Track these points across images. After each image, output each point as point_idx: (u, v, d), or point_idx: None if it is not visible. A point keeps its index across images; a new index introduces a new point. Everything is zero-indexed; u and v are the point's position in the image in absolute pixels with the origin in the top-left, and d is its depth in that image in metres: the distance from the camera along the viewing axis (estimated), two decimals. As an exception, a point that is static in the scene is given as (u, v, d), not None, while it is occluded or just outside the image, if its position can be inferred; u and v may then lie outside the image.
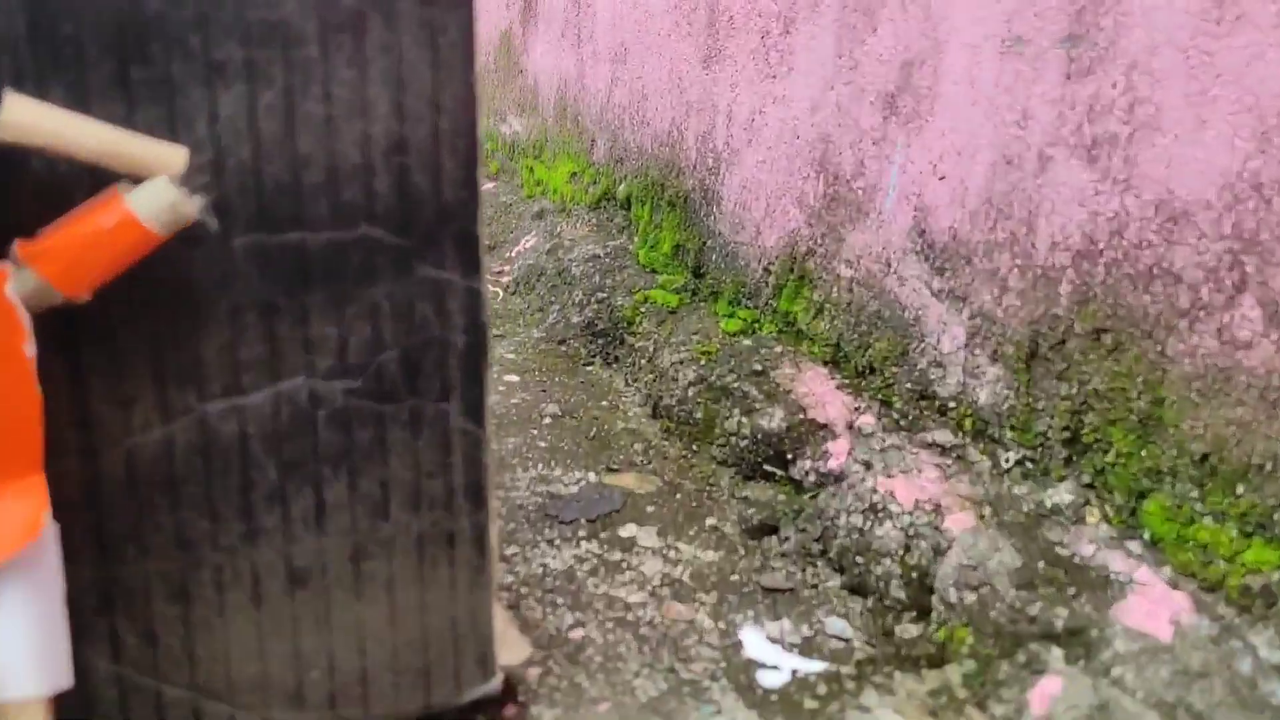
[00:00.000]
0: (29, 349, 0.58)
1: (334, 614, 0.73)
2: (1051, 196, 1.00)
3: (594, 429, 1.39)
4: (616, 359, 1.62)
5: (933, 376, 1.16)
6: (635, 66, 1.97)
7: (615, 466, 1.27)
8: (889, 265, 1.24)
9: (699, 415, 1.33)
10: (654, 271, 1.75)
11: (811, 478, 1.16)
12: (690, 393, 1.36)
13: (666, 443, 1.34)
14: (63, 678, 0.60)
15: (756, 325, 1.47)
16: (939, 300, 1.16)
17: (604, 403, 1.48)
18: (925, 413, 1.16)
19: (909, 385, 1.19)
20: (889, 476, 1.06)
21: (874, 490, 1.05)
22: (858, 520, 1.04)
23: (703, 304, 1.60)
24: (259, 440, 0.69)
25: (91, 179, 0.60)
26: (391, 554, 0.74)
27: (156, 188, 0.59)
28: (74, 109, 0.59)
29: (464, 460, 0.75)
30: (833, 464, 1.15)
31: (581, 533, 1.10)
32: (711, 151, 1.67)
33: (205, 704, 0.71)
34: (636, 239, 1.88)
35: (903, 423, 1.16)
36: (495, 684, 0.79)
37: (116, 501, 0.67)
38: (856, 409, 1.22)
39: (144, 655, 0.69)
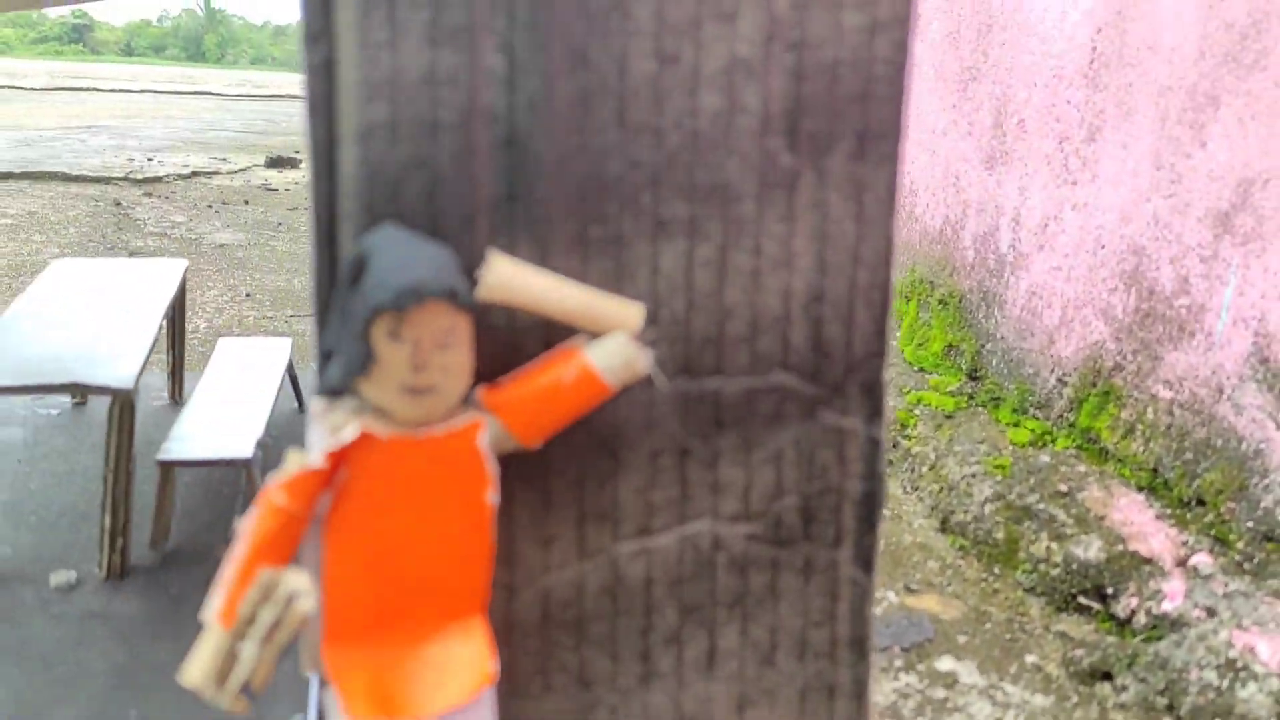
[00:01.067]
0: (491, 497, 0.60)
1: (714, 759, 0.73)
2: None
3: (884, 541, 1.35)
4: (891, 462, 1.58)
5: (1278, 514, 1.08)
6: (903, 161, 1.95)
7: (914, 587, 1.23)
8: (1220, 391, 1.17)
9: (999, 536, 1.28)
10: (923, 370, 1.71)
11: (1141, 619, 1.10)
12: (987, 510, 1.31)
13: (963, 563, 1.30)
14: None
15: (1049, 438, 1.41)
16: (1288, 435, 1.08)
17: (886, 510, 1.45)
18: (1273, 556, 1.08)
19: (1250, 524, 1.11)
20: (1242, 629, 0.99)
21: (1229, 644, 0.98)
22: (1212, 677, 0.97)
23: (981, 409, 1.55)
24: (662, 583, 0.69)
25: (545, 332, 0.62)
26: (774, 703, 0.73)
27: (616, 343, 0.60)
28: (537, 263, 0.62)
29: (850, 610, 0.73)
30: (1167, 606, 1.08)
31: (898, 662, 1.07)
32: (994, 253, 1.63)
33: (587, 840, 0.72)
34: (901, 335, 1.85)
35: (1246, 566, 1.08)
36: (862, 840, 0.77)
37: (529, 638, 0.68)
38: (1184, 543, 1.14)
39: (537, 788, 0.70)
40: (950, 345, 1.72)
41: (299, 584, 0.54)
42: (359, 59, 0.59)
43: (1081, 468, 1.32)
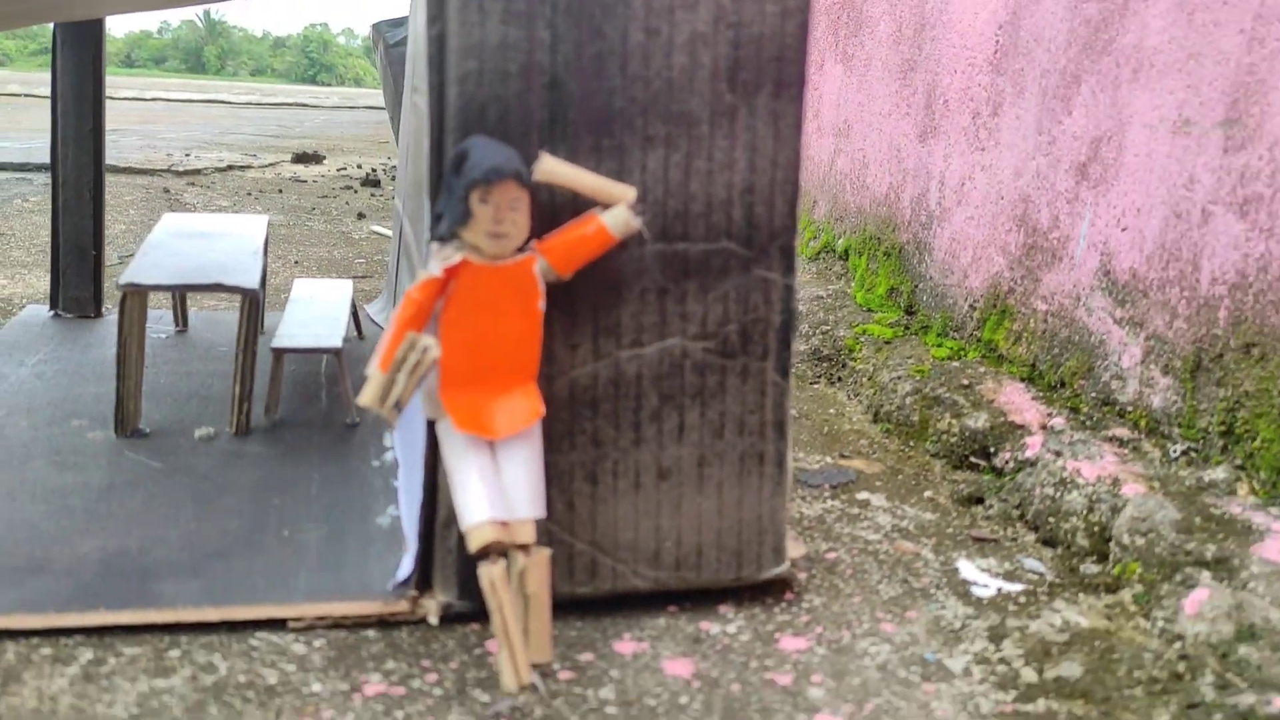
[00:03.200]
0: (541, 306, 0.96)
1: (683, 503, 1.09)
2: (1212, 243, 1.28)
3: (826, 428, 1.72)
4: (839, 379, 1.94)
5: (1114, 387, 1.44)
6: (858, 140, 2.32)
7: (847, 455, 1.59)
8: (1078, 300, 1.53)
9: (915, 418, 1.64)
10: (870, 310, 2.08)
11: (1010, 464, 1.46)
12: (908, 401, 1.67)
13: (887, 440, 1.66)
14: (543, 510, 0.97)
15: (962, 352, 1.78)
16: (1120, 326, 1.45)
17: (831, 410, 1.81)
18: (1107, 416, 1.44)
19: (1094, 395, 1.47)
20: (1076, 460, 1.35)
21: (1064, 469, 1.34)
22: (1050, 491, 1.33)
23: (914, 336, 1.92)
24: (648, 378, 1.06)
25: (572, 205, 0.99)
26: (723, 464, 1.09)
27: (620, 211, 0.96)
28: (569, 160, 0.98)
29: (773, 403, 1.10)
30: (1029, 454, 1.44)
31: (826, 494, 1.43)
32: (925, 210, 1.99)
33: (599, 557, 1.08)
34: (854, 284, 2.21)
35: (1088, 423, 1.44)
36: (785, 567, 1.13)
37: (559, 411, 1.04)
38: (1049, 414, 1.50)
39: (565, 517, 1.06)
40: (892, 288, 2.08)
41: (430, 340, 0.90)
42: (460, 32, 0.96)
43: (982, 369, 1.68)
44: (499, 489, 0.94)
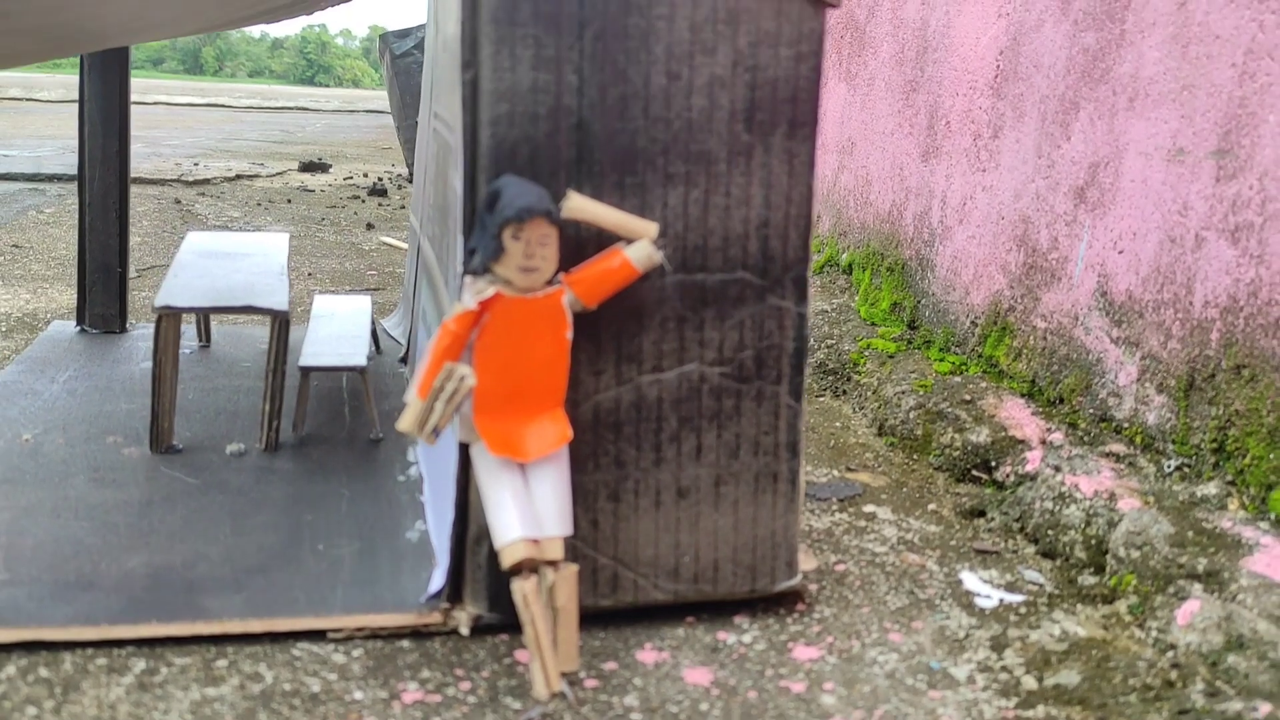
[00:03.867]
0: (569, 335, 1.02)
1: (701, 520, 1.14)
2: (1205, 267, 1.34)
3: (832, 441, 1.77)
4: (844, 392, 2.00)
5: (1111, 404, 1.50)
6: (861, 157, 2.38)
7: (852, 468, 1.65)
8: (1076, 319, 1.59)
9: (919, 432, 1.70)
10: (874, 324, 2.14)
11: (1011, 478, 1.51)
12: (911, 415, 1.73)
13: (891, 453, 1.72)
14: (570, 528, 1.02)
15: (964, 367, 1.83)
16: (1117, 346, 1.50)
17: (837, 423, 1.87)
18: (1104, 432, 1.50)
19: (1091, 411, 1.53)
20: (1074, 475, 1.41)
21: (1063, 484, 1.40)
22: (1049, 505, 1.39)
23: (917, 350, 1.97)
24: (668, 402, 1.11)
25: (598, 239, 1.04)
26: (739, 483, 1.15)
27: (642, 245, 1.02)
28: (595, 197, 1.04)
29: (786, 425, 1.15)
30: (1028, 468, 1.50)
31: (834, 507, 1.49)
32: (928, 228, 2.05)
33: (621, 571, 1.13)
34: (858, 298, 2.27)
35: (1085, 439, 1.50)
36: (797, 580, 1.19)
37: (584, 434, 1.10)
38: (1048, 429, 1.56)
39: (589, 534, 1.12)
40: (895, 303, 2.14)
41: (466, 369, 0.96)
42: (492, 77, 1.01)
43: (983, 384, 1.74)
44: (530, 508, 0.99)
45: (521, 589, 0.97)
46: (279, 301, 1.49)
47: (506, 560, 0.97)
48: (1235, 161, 1.30)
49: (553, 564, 0.99)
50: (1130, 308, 1.48)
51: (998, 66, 1.83)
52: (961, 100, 1.94)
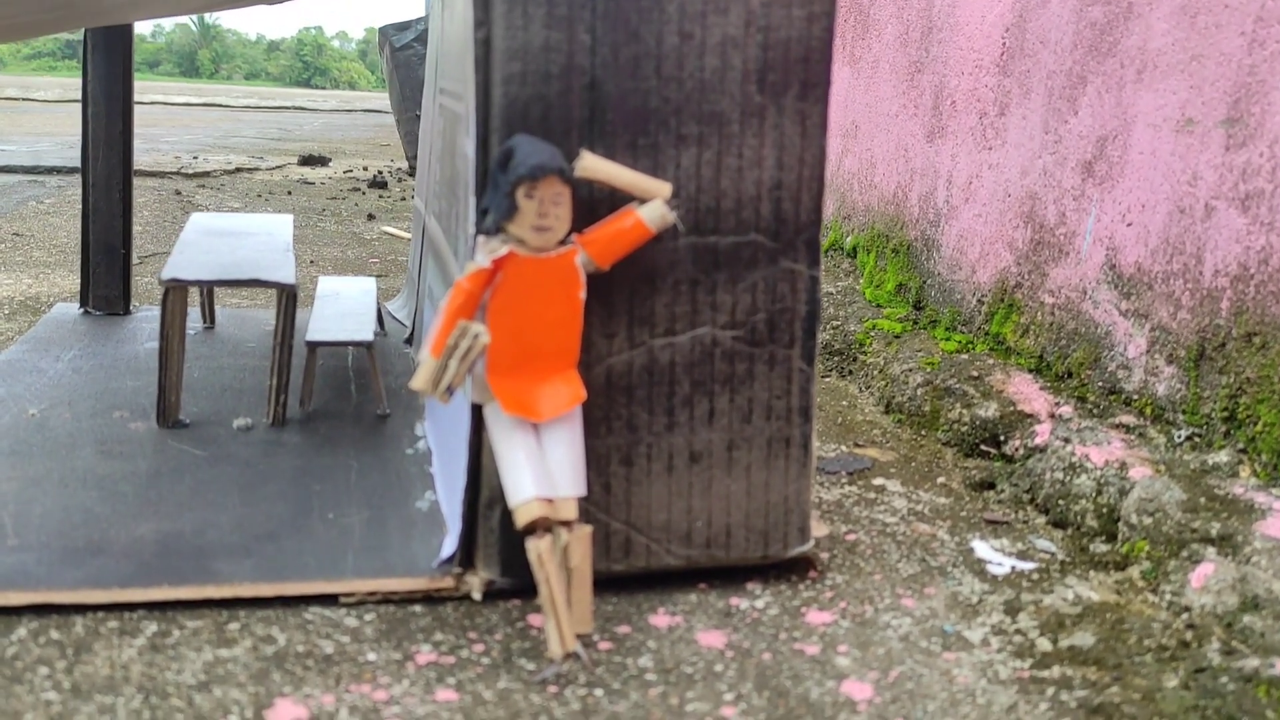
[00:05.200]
0: (582, 295, 1.01)
1: (714, 485, 1.14)
2: (1215, 236, 1.34)
3: (840, 419, 1.77)
4: (850, 372, 2.00)
5: (1120, 376, 1.50)
6: (865, 140, 2.37)
7: (860, 444, 1.65)
8: (1084, 293, 1.59)
9: (926, 409, 1.70)
10: (879, 306, 2.13)
11: (1020, 451, 1.51)
12: (919, 392, 1.73)
13: (899, 430, 1.71)
14: (584, 488, 1.02)
15: (971, 346, 1.83)
16: (1125, 318, 1.50)
17: (844, 402, 1.87)
18: (1114, 404, 1.49)
19: (1100, 384, 1.53)
20: (1084, 446, 1.40)
21: (1073, 455, 1.39)
22: (1060, 475, 1.38)
23: (923, 330, 1.97)
24: (680, 366, 1.11)
25: (610, 200, 1.04)
26: (751, 447, 1.14)
27: (656, 205, 1.02)
28: (607, 157, 1.03)
29: (799, 389, 1.15)
30: (1038, 441, 1.49)
31: (844, 480, 1.49)
32: (933, 208, 2.05)
33: (634, 536, 1.13)
34: (863, 280, 2.27)
35: (1095, 411, 1.50)
36: (810, 545, 1.18)
37: (596, 397, 1.09)
38: (1057, 403, 1.56)
39: (601, 498, 1.11)
40: (900, 284, 2.14)
41: (480, 327, 0.95)
42: (505, 35, 1.01)
43: (990, 361, 1.73)
44: (544, 468, 0.99)
45: (536, 548, 0.96)
46: (286, 275, 1.49)
47: (521, 519, 0.97)
48: (1245, 130, 1.30)
49: (567, 524, 0.99)
50: (1139, 280, 1.48)
51: (1004, 44, 1.83)
52: (967, 79, 1.94)
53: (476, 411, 1.07)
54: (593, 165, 1.01)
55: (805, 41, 1.07)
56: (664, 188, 1.02)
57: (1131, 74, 1.51)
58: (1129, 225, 1.50)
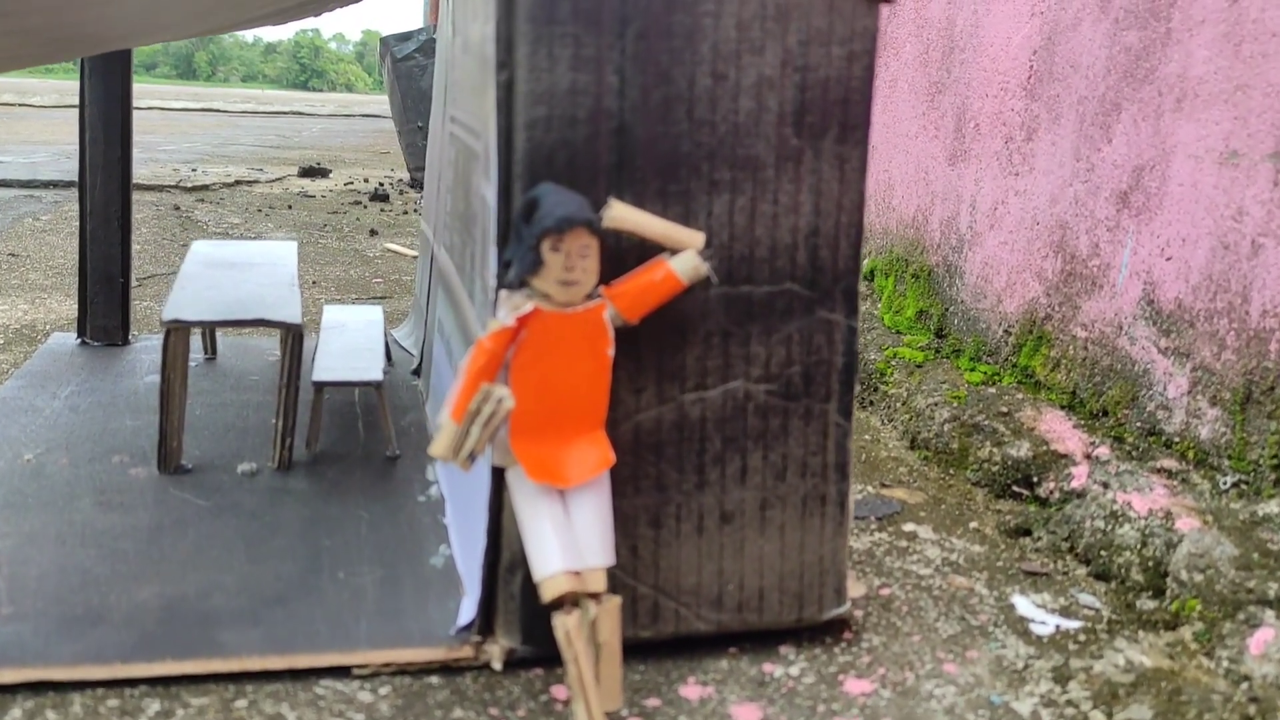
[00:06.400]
0: (610, 352, 0.96)
1: (746, 546, 1.08)
2: (1263, 275, 1.28)
3: (864, 455, 1.71)
4: (872, 403, 1.94)
5: (1160, 417, 1.44)
6: (883, 161, 2.32)
7: (887, 484, 1.59)
8: (1120, 328, 1.53)
9: (954, 446, 1.64)
10: (899, 332, 2.08)
11: (1056, 495, 1.45)
12: (946, 428, 1.67)
13: (926, 467, 1.66)
14: (613, 557, 0.96)
15: (997, 378, 1.78)
16: (1165, 356, 1.44)
17: (866, 436, 1.81)
18: (1153, 446, 1.44)
19: (1138, 424, 1.47)
20: (1125, 493, 1.35)
21: (1114, 502, 1.34)
22: (1100, 524, 1.33)
23: (945, 360, 1.91)
24: (712, 421, 1.05)
25: (639, 250, 0.98)
26: (785, 506, 1.09)
27: (688, 256, 0.96)
28: (636, 206, 0.97)
29: (835, 445, 1.09)
30: (1074, 484, 1.43)
31: (873, 526, 1.43)
32: (955, 233, 1.99)
33: (662, 600, 1.07)
34: (881, 305, 2.21)
35: (1134, 454, 1.44)
36: (846, 608, 1.12)
37: (624, 456, 1.03)
38: (1092, 444, 1.50)
39: (628, 562, 1.06)
40: (921, 311, 2.08)
41: (505, 391, 0.90)
42: (529, 78, 0.95)
43: (1020, 395, 1.68)
44: (571, 538, 0.93)
45: (564, 625, 0.90)
46: (291, 314, 1.43)
47: (547, 594, 0.91)
48: (1296, 165, 1.24)
49: (595, 597, 0.93)
50: (1180, 317, 1.42)
51: (1031, 67, 1.77)
52: (991, 102, 1.89)
53: (497, 472, 1.01)
54: (622, 215, 0.95)
55: (845, 82, 1.02)
56: (697, 238, 0.97)
57: (1170, 102, 1.45)
58: (1168, 259, 1.45)
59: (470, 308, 1.26)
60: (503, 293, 0.94)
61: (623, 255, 0.99)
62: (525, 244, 0.92)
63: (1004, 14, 1.85)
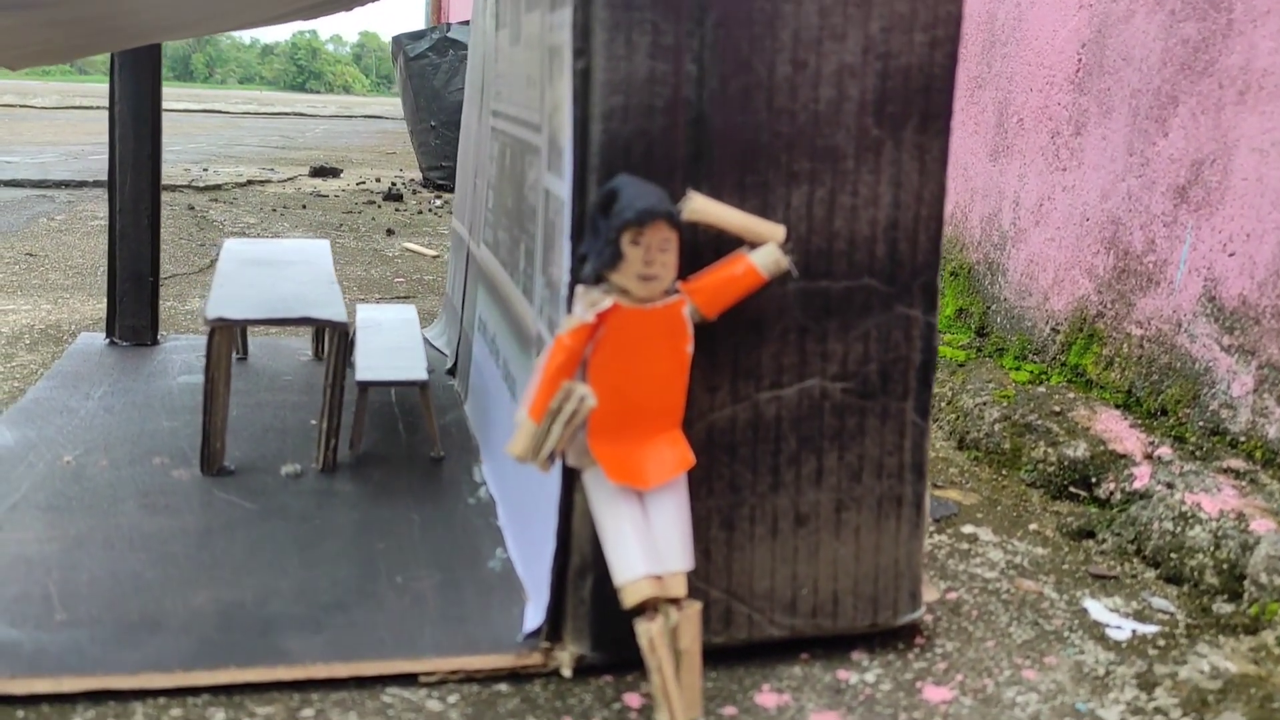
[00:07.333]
0: (689, 349, 0.93)
1: (821, 549, 1.05)
2: (1339, 270, 1.25)
3: (913, 456, 1.68)
4: (915, 403, 1.91)
5: (1223, 416, 1.41)
6: (919, 158, 2.28)
7: (940, 485, 1.56)
8: (1179, 326, 1.50)
9: (1006, 446, 1.61)
10: (939, 331, 2.05)
11: (1117, 496, 1.42)
12: (996, 428, 1.64)
13: (978, 468, 1.62)
14: (692, 561, 0.93)
15: (1045, 377, 1.74)
16: (1228, 354, 1.41)
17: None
18: (1217, 446, 1.41)
19: (1201, 424, 1.44)
20: (1192, 493, 1.32)
21: (1182, 503, 1.31)
22: (1169, 525, 1.29)
23: (988, 358, 1.88)
24: (787, 421, 1.02)
25: (715, 243, 0.95)
26: (861, 508, 1.05)
27: (769, 249, 0.93)
28: (714, 198, 0.94)
29: (912, 444, 1.06)
30: (1136, 485, 1.40)
31: (931, 529, 1.40)
32: (997, 230, 1.96)
33: (735, 605, 1.04)
34: (919, 304, 2.18)
35: (1197, 454, 1.41)
36: (921, 613, 1.09)
37: (697, 456, 1.00)
38: (1151, 443, 1.47)
39: (700, 565, 1.02)
40: (961, 309, 2.05)
41: (586, 389, 0.87)
42: (606, 67, 0.92)
43: (1071, 395, 1.65)
44: (651, 542, 0.90)
45: (648, 631, 0.87)
46: (337, 313, 1.40)
47: (630, 599, 0.88)
48: (1374, 157, 1.21)
49: (675, 602, 0.90)
50: (1244, 313, 1.39)
51: (1079, 60, 1.74)
52: (1036, 96, 1.86)
53: (567, 472, 0.98)
54: (702, 207, 0.92)
55: (927, 70, 0.99)
56: (778, 230, 0.94)
57: (1232, 95, 1.42)
58: (1231, 255, 1.42)
59: (525, 304, 1.22)
60: (579, 288, 0.91)
61: (698, 249, 0.95)
62: (604, 237, 0.89)
63: (1050, 7, 1.82)
